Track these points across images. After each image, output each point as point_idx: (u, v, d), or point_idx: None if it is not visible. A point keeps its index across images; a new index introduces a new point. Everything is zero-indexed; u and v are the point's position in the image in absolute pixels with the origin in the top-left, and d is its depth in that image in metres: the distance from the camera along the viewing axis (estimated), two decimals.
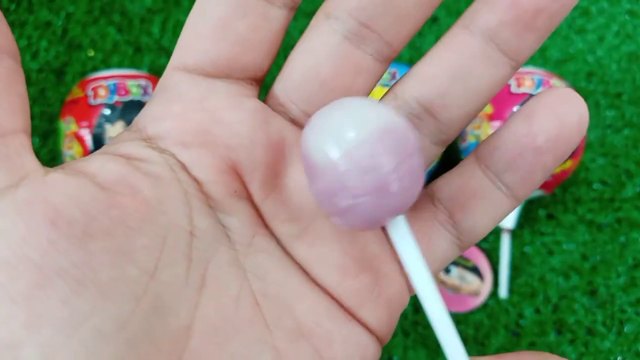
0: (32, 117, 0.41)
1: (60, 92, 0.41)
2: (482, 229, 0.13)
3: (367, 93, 0.13)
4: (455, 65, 0.12)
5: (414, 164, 0.11)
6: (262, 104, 0.13)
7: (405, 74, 0.13)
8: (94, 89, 0.33)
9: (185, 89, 0.12)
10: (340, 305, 0.13)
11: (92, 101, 0.32)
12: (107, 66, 0.42)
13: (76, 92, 0.34)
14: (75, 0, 0.44)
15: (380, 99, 0.13)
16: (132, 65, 0.42)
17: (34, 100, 0.41)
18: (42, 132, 0.41)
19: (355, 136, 0.10)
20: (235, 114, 0.12)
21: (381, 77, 0.13)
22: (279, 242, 0.13)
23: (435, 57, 0.13)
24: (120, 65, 0.42)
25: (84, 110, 0.32)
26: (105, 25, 0.43)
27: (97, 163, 0.11)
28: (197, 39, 0.12)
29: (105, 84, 0.33)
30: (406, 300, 0.14)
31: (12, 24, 0.44)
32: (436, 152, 0.13)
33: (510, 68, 0.12)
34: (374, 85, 0.13)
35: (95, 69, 0.42)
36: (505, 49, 0.12)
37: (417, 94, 0.13)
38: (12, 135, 0.11)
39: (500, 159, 0.13)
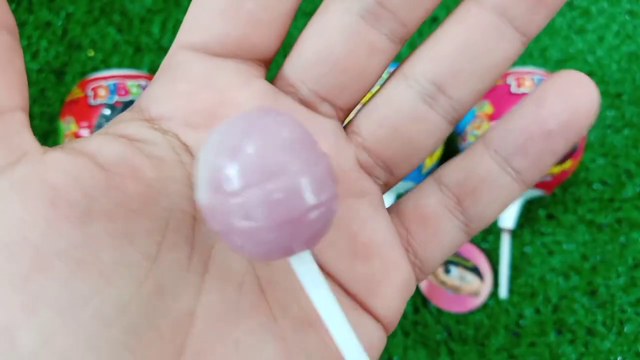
0: (32, 117, 0.41)
1: (60, 92, 0.41)
2: (491, 214, 0.13)
3: (380, 74, 0.13)
4: (468, 42, 0.12)
5: (320, 170, 0.09)
6: (270, 84, 0.13)
7: (413, 52, 0.13)
8: (94, 89, 0.33)
9: (191, 68, 0.12)
10: (348, 293, 0.12)
11: (92, 101, 0.32)
12: (107, 66, 0.42)
13: (76, 92, 0.34)
14: (75, 0, 0.44)
15: (388, 79, 0.13)
16: (132, 65, 0.42)
17: (34, 100, 0.41)
18: (42, 132, 0.41)
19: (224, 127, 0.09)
20: (243, 94, 0.12)
21: (393, 57, 0.13)
22: None
23: (446, 34, 0.12)
24: (120, 65, 0.42)
25: (84, 111, 0.32)
26: (105, 25, 0.43)
27: (97, 143, 0.11)
28: (205, 16, 0.12)
29: (105, 84, 0.33)
30: (413, 287, 0.13)
31: None
32: (449, 130, 0.13)
33: (521, 44, 0.12)
34: (387, 66, 0.13)
35: (95, 69, 0.42)
36: (517, 24, 0.12)
37: (429, 73, 0.12)
38: (10, 113, 0.10)
39: (510, 143, 0.12)
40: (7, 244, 0.09)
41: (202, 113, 0.12)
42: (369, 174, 0.13)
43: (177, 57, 0.12)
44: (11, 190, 0.10)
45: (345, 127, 0.13)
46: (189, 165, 0.12)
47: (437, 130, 0.13)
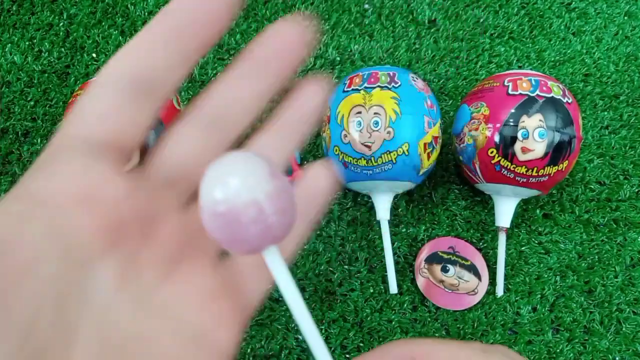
0: (36, 119, 0.41)
1: (63, 93, 0.42)
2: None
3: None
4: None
5: (286, 201, 0.14)
6: (134, 173, 0.15)
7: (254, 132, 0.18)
8: None
9: (72, 156, 0.15)
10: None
11: None
12: None
13: (80, 94, 0.34)
14: (77, 2, 0.45)
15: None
16: None
17: (36, 102, 0.42)
18: (45, 133, 0.41)
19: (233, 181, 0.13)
20: (114, 182, 0.15)
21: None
22: (146, 284, 0.15)
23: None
24: None
25: None
26: (107, 27, 0.44)
27: None
28: (92, 114, 0.15)
29: None
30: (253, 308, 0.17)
31: (14, 25, 0.44)
32: None
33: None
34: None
35: (99, 71, 0.42)
36: None
37: None
38: None
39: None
40: None
41: (78, 196, 0.14)
42: None
43: (62, 144, 0.15)
44: None
45: None
46: (63, 240, 0.14)
47: None
